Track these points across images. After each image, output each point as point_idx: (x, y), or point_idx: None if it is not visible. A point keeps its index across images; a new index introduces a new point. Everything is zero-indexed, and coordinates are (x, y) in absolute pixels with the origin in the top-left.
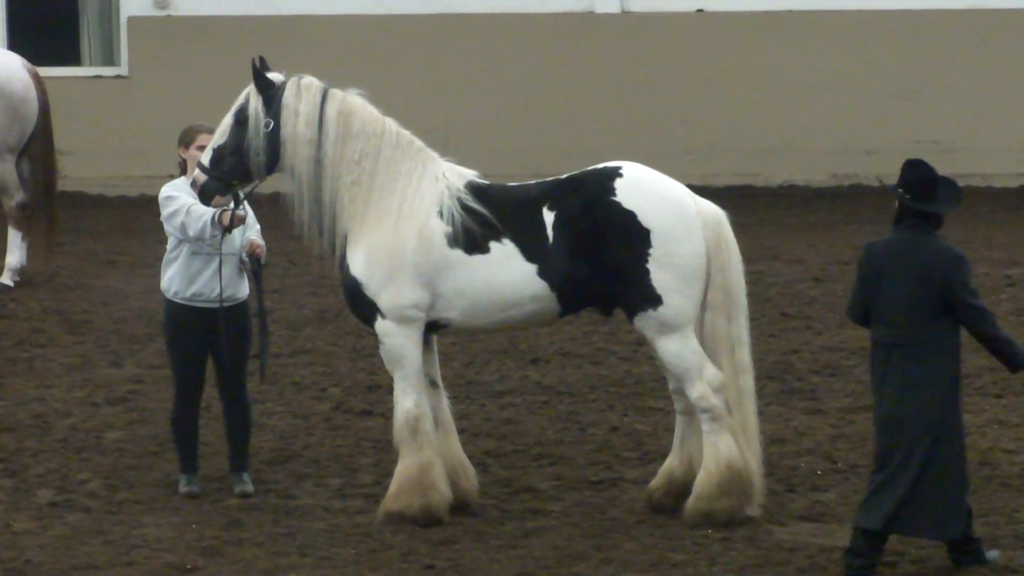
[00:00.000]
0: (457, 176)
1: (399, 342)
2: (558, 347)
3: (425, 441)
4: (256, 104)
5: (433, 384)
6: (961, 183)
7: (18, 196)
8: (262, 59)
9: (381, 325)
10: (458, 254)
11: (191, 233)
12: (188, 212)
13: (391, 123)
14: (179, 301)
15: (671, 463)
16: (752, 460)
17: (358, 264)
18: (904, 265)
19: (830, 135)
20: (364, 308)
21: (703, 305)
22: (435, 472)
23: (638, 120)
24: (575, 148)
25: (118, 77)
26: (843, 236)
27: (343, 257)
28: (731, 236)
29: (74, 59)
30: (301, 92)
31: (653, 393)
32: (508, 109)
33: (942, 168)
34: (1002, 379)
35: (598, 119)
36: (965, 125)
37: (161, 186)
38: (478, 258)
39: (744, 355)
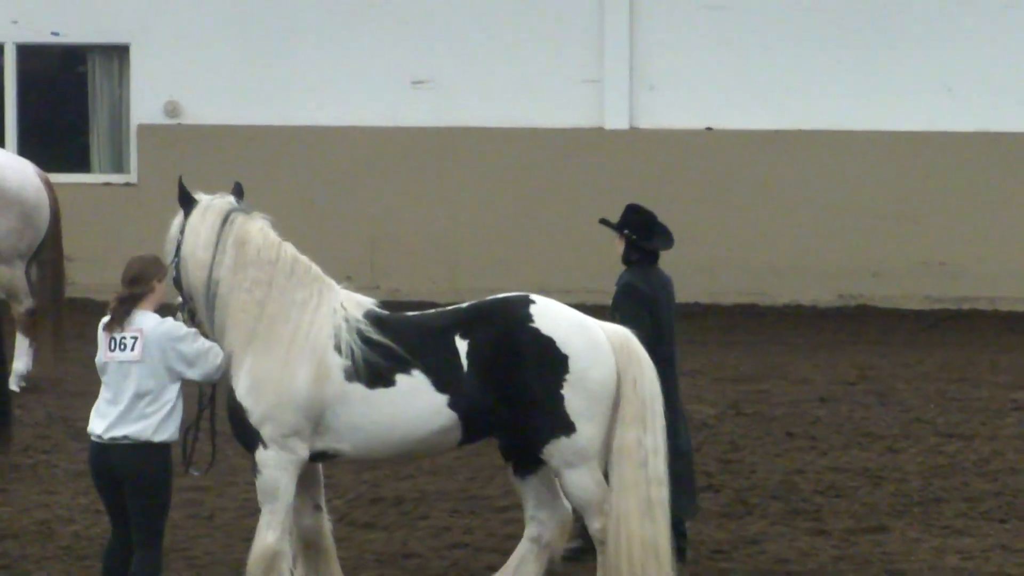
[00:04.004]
0: (355, 306)
1: (276, 474)
2: None
3: None
4: (177, 220)
5: (317, 507)
6: (967, 306)
7: (27, 302)
8: (238, 185)
9: (261, 455)
10: (357, 388)
11: (221, 361)
12: (218, 353)
13: (288, 249)
14: (172, 442)
15: None
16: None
17: (242, 390)
18: (665, 292)
19: (837, 255)
20: (246, 434)
21: (616, 420)
22: None
23: None
24: (582, 263)
25: (127, 184)
26: (849, 356)
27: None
28: (640, 350)
29: (84, 166)
30: (205, 214)
31: None
32: (516, 222)
33: (949, 291)
34: (1007, 503)
35: (605, 235)
36: (972, 247)
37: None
38: (380, 392)
39: (660, 465)
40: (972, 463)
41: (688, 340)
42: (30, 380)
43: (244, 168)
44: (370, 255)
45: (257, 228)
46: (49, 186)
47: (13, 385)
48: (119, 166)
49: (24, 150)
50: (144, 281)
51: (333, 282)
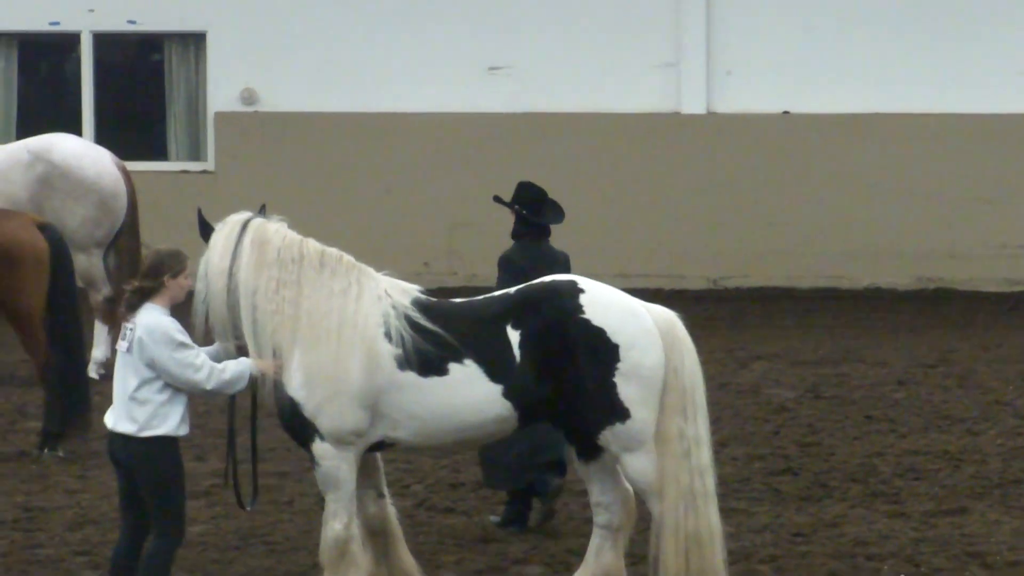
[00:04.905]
0: (401, 293)
1: (335, 464)
2: None
3: (351, 564)
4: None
5: (379, 495)
6: None
7: (105, 290)
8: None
9: (318, 447)
10: (410, 377)
11: (211, 388)
12: (224, 370)
13: (312, 244)
14: (179, 436)
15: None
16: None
17: (295, 385)
18: (542, 268)
19: (915, 238)
20: (300, 429)
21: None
22: None
23: (722, 221)
24: (659, 248)
25: (204, 172)
26: (927, 339)
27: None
28: (685, 336)
29: (161, 154)
30: (222, 228)
31: (736, 494)
32: (592, 207)
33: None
34: None
35: (682, 219)
36: None
37: None
38: (434, 380)
39: (704, 455)
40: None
41: (766, 324)
42: (109, 368)
43: (320, 155)
44: (447, 241)
45: (274, 229)
46: (126, 174)
47: (92, 372)
48: (196, 154)
49: (101, 138)
50: (155, 275)
51: (371, 269)
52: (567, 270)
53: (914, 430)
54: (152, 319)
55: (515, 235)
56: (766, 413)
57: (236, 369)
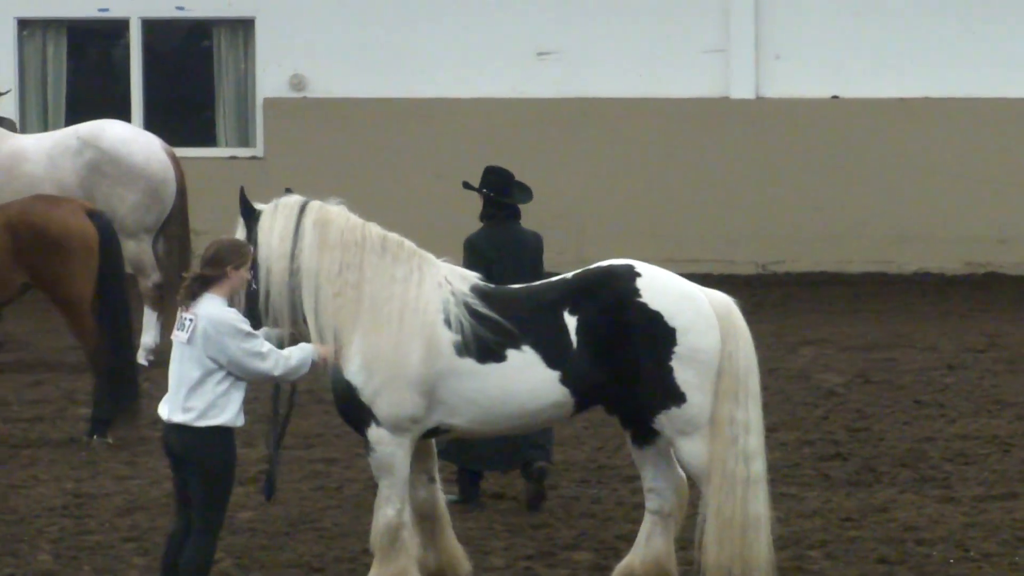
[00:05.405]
0: (461, 279)
1: (391, 450)
2: None
3: (403, 550)
4: (240, 233)
5: (431, 479)
6: None
7: (154, 276)
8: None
9: (374, 433)
10: (468, 363)
11: (278, 375)
12: (289, 357)
13: (374, 228)
14: (236, 427)
15: (631, 561)
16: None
17: (353, 369)
18: (514, 250)
19: (964, 223)
20: (356, 414)
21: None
22: None
23: (771, 206)
24: (708, 233)
25: (253, 158)
26: (977, 324)
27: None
28: (741, 322)
29: (210, 140)
30: (278, 210)
31: (786, 479)
32: (641, 193)
33: None
34: None
35: (731, 205)
36: None
37: None
38: (491, 367)
39: (755, 441)
40: None
41: (815, 309)
42: (158, 354)
43: (369, 140)
44: None
45: (336, 211)
46: (175, 161)
47: (141, 359)
48: (245, 140)
49: (150, 125)
50: (218, 265)
51: (432, 256)
52: (538, 250)
53: (964, 415)
54: (216, 310)
55: (484, 217)
56: (815, 398)
57: (300, 355)
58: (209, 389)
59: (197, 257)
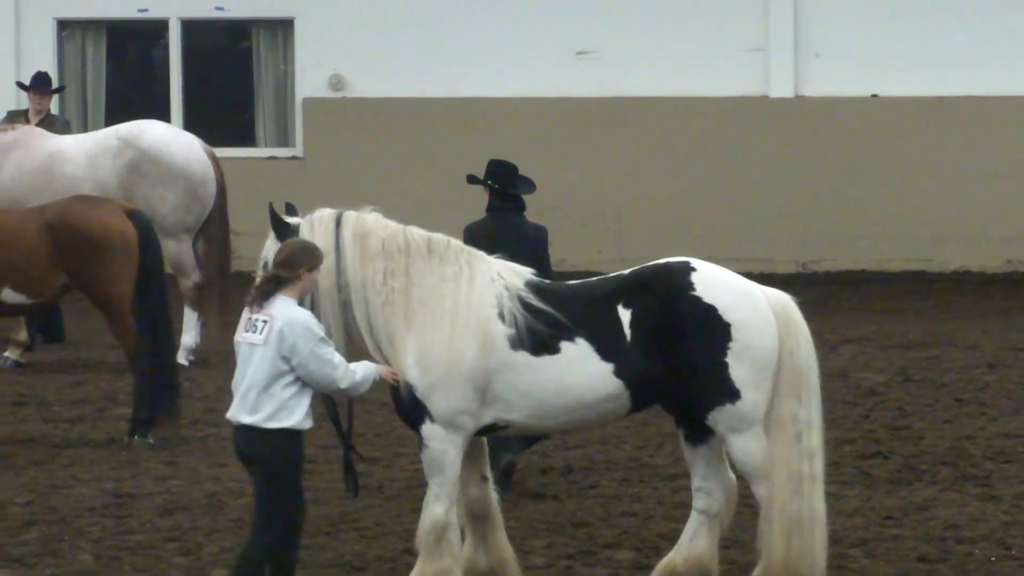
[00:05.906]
0: (514, 275)
1: (443, 447)
2: None
3: (447, 549)
4: (270, 243)
5: (483, 478)
6: None
7: (194, 276)
8: (289, 204)
9: (428, 429)
10: (522, 356)
11: (344, 387)
12: (355, 371)
13: (416, 232)
14: (304, 429)
15: (673, 559)
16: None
17: (408, 364)
18: (511, 240)
19: (1004, 221)
20: (411, 410)
21: (772, 390)
22: None
23: (810, 205)
24: (748, 232)
25: (293, 158)
26: (1018, 322)
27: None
28: (800, 318)
29: (249, 140)
30: (314, 225)
31: (827, 478)
32: (681, 192)
33: None
34: None
35: (771, 203)
36: None
37: None
38: (546, 359)
39: (815, 439)
40: None
41: (855, 308)
42: (198, 354)
43: (408, 140)
44: None
45: (373, 220)
46: (215, 160)
47: (182, 359)
48: (284, 140)
49: (190, 125)
50: (292, 267)
51: (482, 253)
52: (541, 242)
53: (1004, 413)
54: (293, 312)
55: (489, 209)
56: (856, 397)
57: (364, 372)
58: (278, 392)
59: (237, 257)
